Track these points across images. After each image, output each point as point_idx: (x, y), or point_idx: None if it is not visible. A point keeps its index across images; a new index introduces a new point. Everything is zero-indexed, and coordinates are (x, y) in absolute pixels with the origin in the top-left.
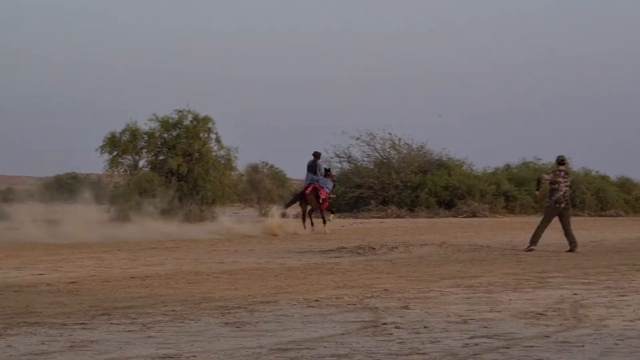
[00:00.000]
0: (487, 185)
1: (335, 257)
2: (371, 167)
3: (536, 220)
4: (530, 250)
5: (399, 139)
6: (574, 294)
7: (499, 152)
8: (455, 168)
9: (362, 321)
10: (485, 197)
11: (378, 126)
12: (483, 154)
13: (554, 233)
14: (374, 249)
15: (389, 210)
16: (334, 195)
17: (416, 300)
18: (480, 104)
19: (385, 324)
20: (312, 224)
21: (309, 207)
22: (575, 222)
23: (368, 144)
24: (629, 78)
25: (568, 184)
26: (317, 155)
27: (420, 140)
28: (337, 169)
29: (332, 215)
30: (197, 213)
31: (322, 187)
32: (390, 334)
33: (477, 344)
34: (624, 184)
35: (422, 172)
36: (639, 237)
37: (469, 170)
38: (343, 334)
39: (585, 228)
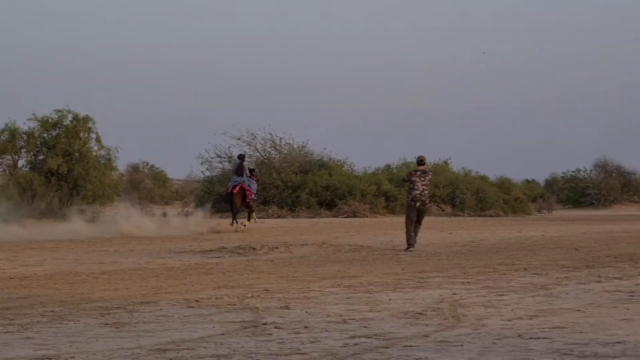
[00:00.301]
0: (368, 186)
1: (216, 257)
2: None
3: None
4: (409, 250)
5: (280, 139)
6: (453, 294)
7: (379, 152)
8: (336, 168)
9: (242, 321)
10: (365, 197)
11: (260, 125)
12: (364, 154)
13: (436, 233)
14: (254, 249)
15: (270, 210)
16: (255, 197)
17: (296, 300)
18: (363, 106)
19: (265, 324)
20: (235, 222)
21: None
22: (455, 222)
23: (249, 144)
24: (506, 86)
25: (425, 183)
26: (242, 157)
27: (301, 140)
28: (219, 169)
29: (253, 214)
30: (77, 213)
31: (249, 188)
32: (270, 334)
33: (356, 344)
34: (503, 184)
35: (303, 172)
36: (518, 236)
37: (350, 171)
38: (223, 334)
39: (465, 228)
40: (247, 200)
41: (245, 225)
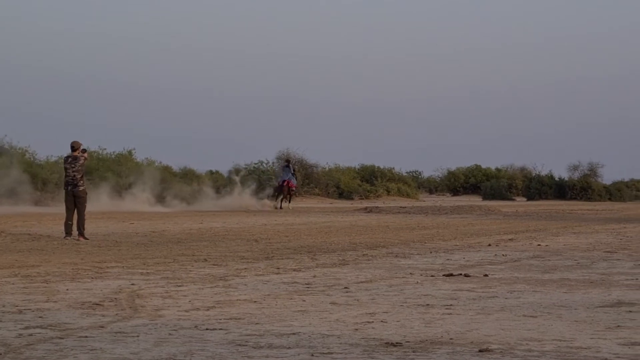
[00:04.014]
0: (50, 174)
1: None
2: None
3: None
4: (67, 238)
5: None
6: (132, 284)
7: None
8: (17, 156)
9: None
10: (47, 186)
11: None
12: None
13: (118, 223)
14: None
15: None
16: (297, 186)
17: None
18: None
19: None
20: (280, 207)
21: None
22: (138, 212)
23: None
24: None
25: (76, 168)
26: (288, 161)
27: None
28: None
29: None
30: None
31: (291, 182)
32: None
33: (31, 335)
34: (187, 175)
35: None
36: (200, 227)
37: (32, 159)
38: None
39: (147, 218)
40: (291, 191)
41: (281, 208)
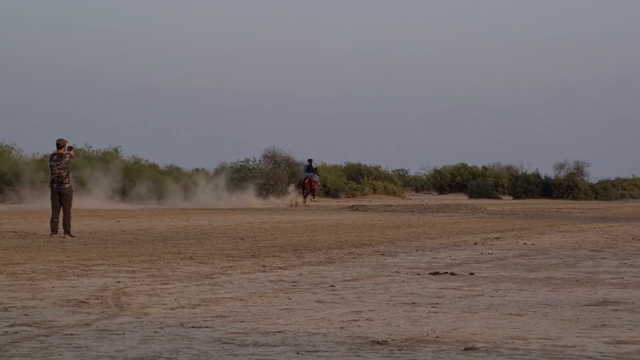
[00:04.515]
0: (36, 172)
1: None
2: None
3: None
4: (52, 236)
5: None
6: (118, 282)
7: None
8: (4, 154)
9: None
10: (34, 184)
11: None
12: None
13: (104, 221)
14: None
15: None
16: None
17: None
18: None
19: None
20: (304, 202)
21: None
22: (123, 210)
23: None
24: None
25: (61, 166)
26: (310, 160)
27: None
28: None
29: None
30: None
31: (315, 180)
32: None
33: (16, 332)
34: (172, 173)
35: None
36: (186, 225)
37: (18, 157)
38: None
39: (133, 216)
40: (313, 188)
41: (305, 203)
